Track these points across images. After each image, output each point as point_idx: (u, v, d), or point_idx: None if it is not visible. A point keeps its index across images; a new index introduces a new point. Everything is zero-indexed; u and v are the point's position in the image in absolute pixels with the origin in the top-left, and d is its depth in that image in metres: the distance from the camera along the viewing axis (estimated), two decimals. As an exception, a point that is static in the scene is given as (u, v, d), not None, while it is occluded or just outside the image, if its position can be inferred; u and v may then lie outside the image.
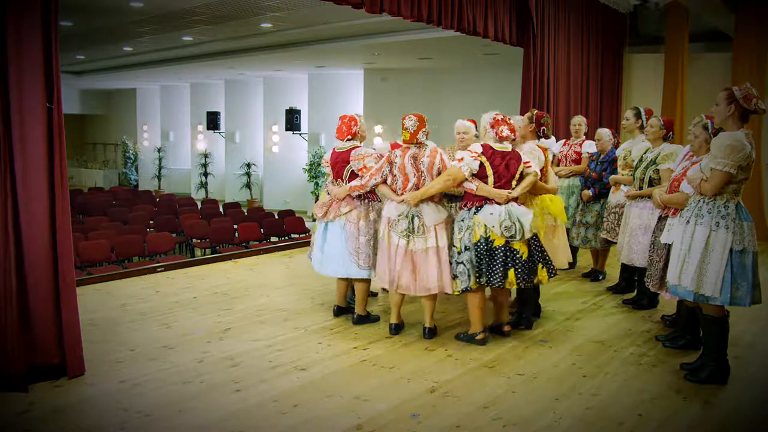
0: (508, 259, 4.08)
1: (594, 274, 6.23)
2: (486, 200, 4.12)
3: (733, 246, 3.43)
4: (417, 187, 4.26)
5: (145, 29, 10.13)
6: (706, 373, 3.69)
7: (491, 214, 4.06)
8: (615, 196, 5.52)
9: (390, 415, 3.25)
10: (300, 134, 14.98)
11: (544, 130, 4.72)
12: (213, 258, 7.21)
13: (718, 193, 3.48)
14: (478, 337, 4.27)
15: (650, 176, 4.85)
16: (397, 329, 4.53)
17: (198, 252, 8.45)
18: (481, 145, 4.18)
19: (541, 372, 3.85)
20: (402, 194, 4.29)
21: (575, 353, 4.19)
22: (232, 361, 3.95)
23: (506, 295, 4.46)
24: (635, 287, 5.50)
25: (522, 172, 4.22)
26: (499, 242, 4.08)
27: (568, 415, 3.28)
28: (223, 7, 8.39)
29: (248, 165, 16.49)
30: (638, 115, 5.45)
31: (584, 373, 3.84)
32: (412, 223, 4.21)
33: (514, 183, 4.17)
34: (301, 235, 8.93)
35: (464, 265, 4.11)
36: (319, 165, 14.01)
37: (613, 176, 5.56)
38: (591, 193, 5.91)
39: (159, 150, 19.45)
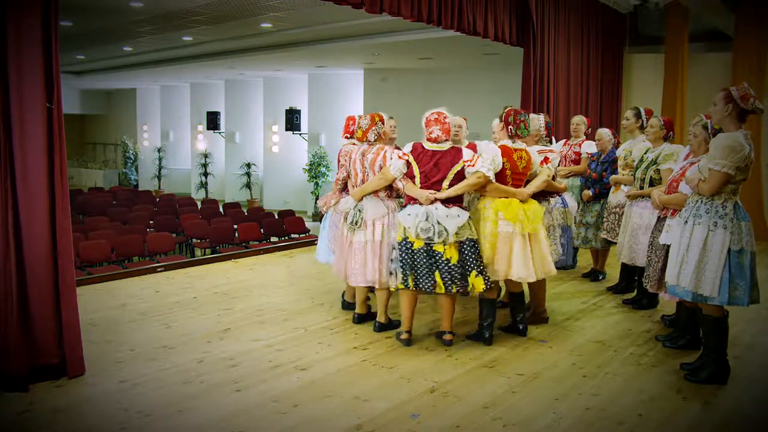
0: (432, 262, 4.03)
1: (594, 274, 6.23)
2: (413, 200, 4.13)
3: (731, 246, 3.43)
4: (363, 182, 4.42)
5: (145, 29, 10.13)
6: (706, 373, 3.70)
7: (408, 215, 4.07)
8: (615, 196, 5.52)
9: (390, 415, 3.25)
10: (300, 134, 14.98)
11: (511, 129, 4.30)
12: (213, 258, 7.21)
13: (716, 193, 3.48)
14: (402, 336, 4.29)
15: (651, 176, 4.85)
16: (360, 319, 4.70)
17: (198, 252, 8.45)
18: (413, 144, 4.20)
19: (541, 372, 3.86)
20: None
21: (575, 353, 4.19)
22: (232, 361, 3.95)
23: (448, 301, 4.21)
24: (635, 287, 5.50)
25: (460, 171, 4.06)
26: (418, 244, 4.04)
27: (568, 415, 3.28)
28: (223, 7, 8.39)
29: (248, 165, 16.49)
30: (638, 115, 5.46)
31: (584, 373, 3.84)
32: (356, 216, 4.34)
33: (446, 183, 4.08)
34: (301, 235, 8.93)
35: (396, 263, 4.17)
36: (320, 165, 14.09)
37: (613, 176, 5.56)
38: (591, 193, 5.91)
39: (159, 150, 19.45)
